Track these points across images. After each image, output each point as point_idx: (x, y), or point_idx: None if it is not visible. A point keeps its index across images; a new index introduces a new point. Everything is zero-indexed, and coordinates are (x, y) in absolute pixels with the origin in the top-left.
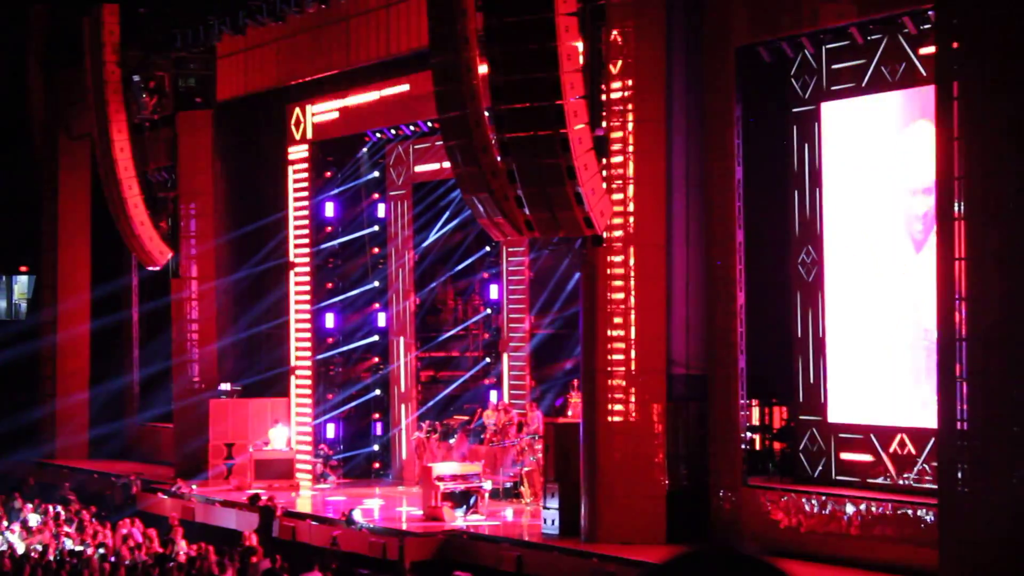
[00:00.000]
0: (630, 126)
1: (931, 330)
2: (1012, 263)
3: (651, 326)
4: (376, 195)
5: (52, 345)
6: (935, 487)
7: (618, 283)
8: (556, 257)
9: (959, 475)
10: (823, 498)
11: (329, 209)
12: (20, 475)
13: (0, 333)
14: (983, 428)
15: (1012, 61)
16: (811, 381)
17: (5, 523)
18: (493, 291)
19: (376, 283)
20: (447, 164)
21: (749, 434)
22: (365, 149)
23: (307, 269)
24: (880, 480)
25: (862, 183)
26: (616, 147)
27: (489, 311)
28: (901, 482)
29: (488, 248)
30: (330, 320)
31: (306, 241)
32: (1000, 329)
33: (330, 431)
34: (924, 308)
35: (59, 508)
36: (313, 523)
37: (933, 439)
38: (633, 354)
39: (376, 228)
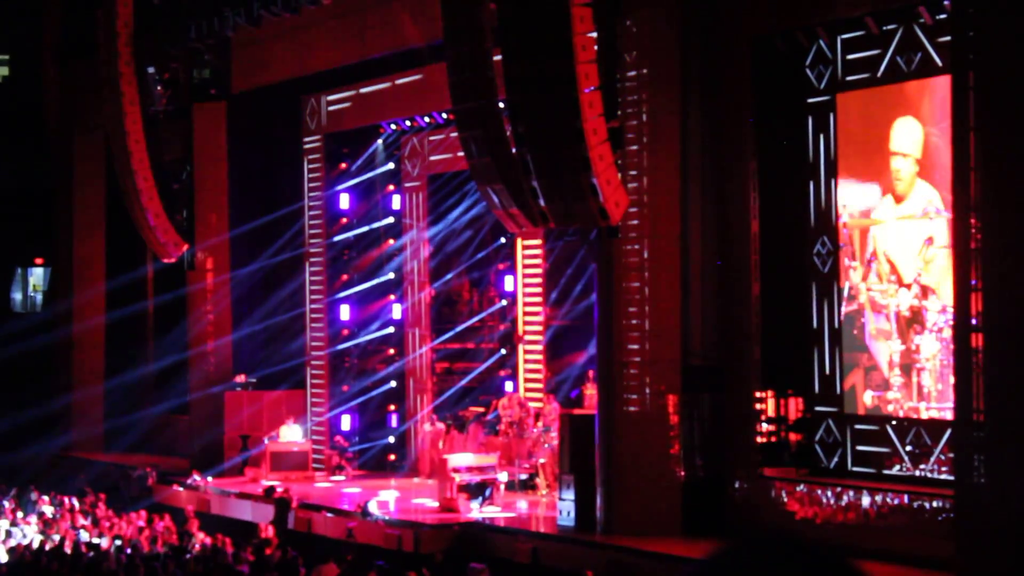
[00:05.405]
0: (645, 116)
1: (947, 321)
2: None
3: (666, 317)
4: (391, 186)
5: (68, 337)
6: (951, 478)
7: (633, 274)
8: (570, 249)
9: (975, 466)
10: (839, 489)
11: (344, 200)
12: (36, 467)
13: (16, 325)
14: (1000, 419)
15: None
16: (827, 372)
17: (21, 515)
18: (508, 282)
19: (391, 275)
20: (462, 155)
21: (764, 425)
22: (380, 140)
23: (322, 260)
24: (896, 471)
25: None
26: (631, 137)
27: (504, 302)
28: (917, 473)
29: (503, 239)
30: (345, 312)
31: (321, 232)
32: (1017, 320)
33: (345, 423)
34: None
35: (75, 500)
36: (329, 515)
37: (949, 430)
38: (648, 345)
39: (391, 219)
